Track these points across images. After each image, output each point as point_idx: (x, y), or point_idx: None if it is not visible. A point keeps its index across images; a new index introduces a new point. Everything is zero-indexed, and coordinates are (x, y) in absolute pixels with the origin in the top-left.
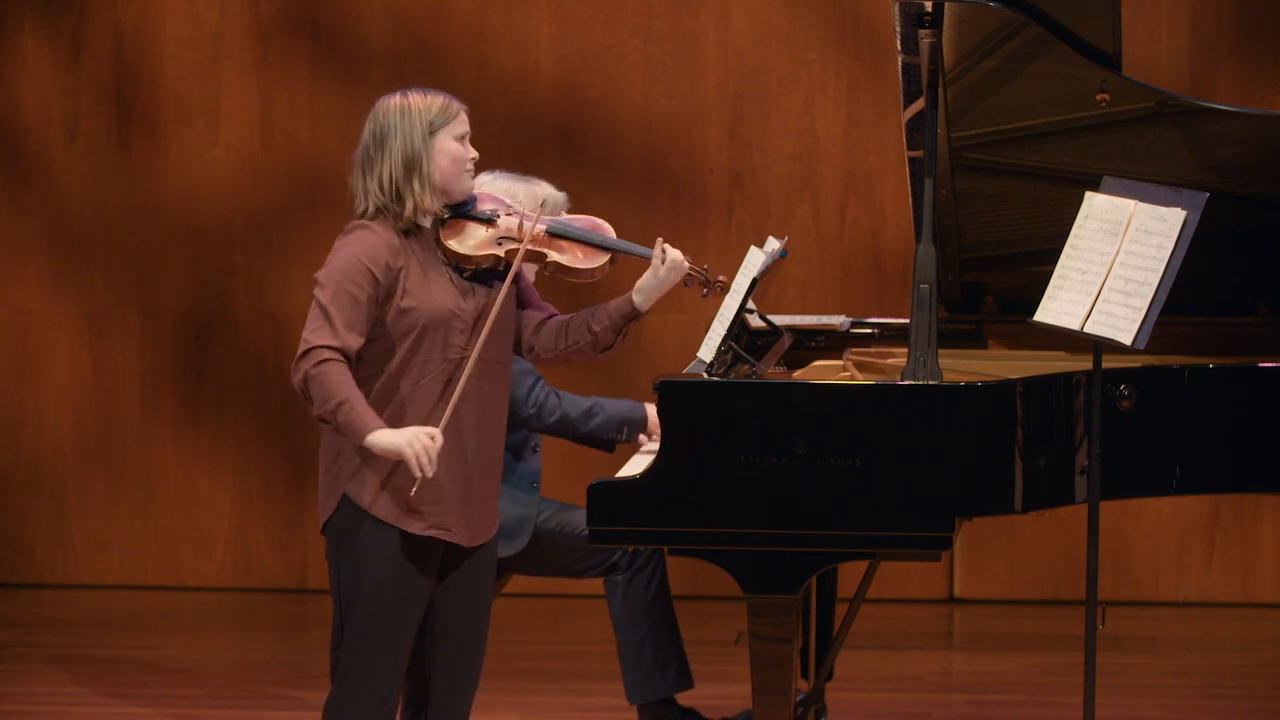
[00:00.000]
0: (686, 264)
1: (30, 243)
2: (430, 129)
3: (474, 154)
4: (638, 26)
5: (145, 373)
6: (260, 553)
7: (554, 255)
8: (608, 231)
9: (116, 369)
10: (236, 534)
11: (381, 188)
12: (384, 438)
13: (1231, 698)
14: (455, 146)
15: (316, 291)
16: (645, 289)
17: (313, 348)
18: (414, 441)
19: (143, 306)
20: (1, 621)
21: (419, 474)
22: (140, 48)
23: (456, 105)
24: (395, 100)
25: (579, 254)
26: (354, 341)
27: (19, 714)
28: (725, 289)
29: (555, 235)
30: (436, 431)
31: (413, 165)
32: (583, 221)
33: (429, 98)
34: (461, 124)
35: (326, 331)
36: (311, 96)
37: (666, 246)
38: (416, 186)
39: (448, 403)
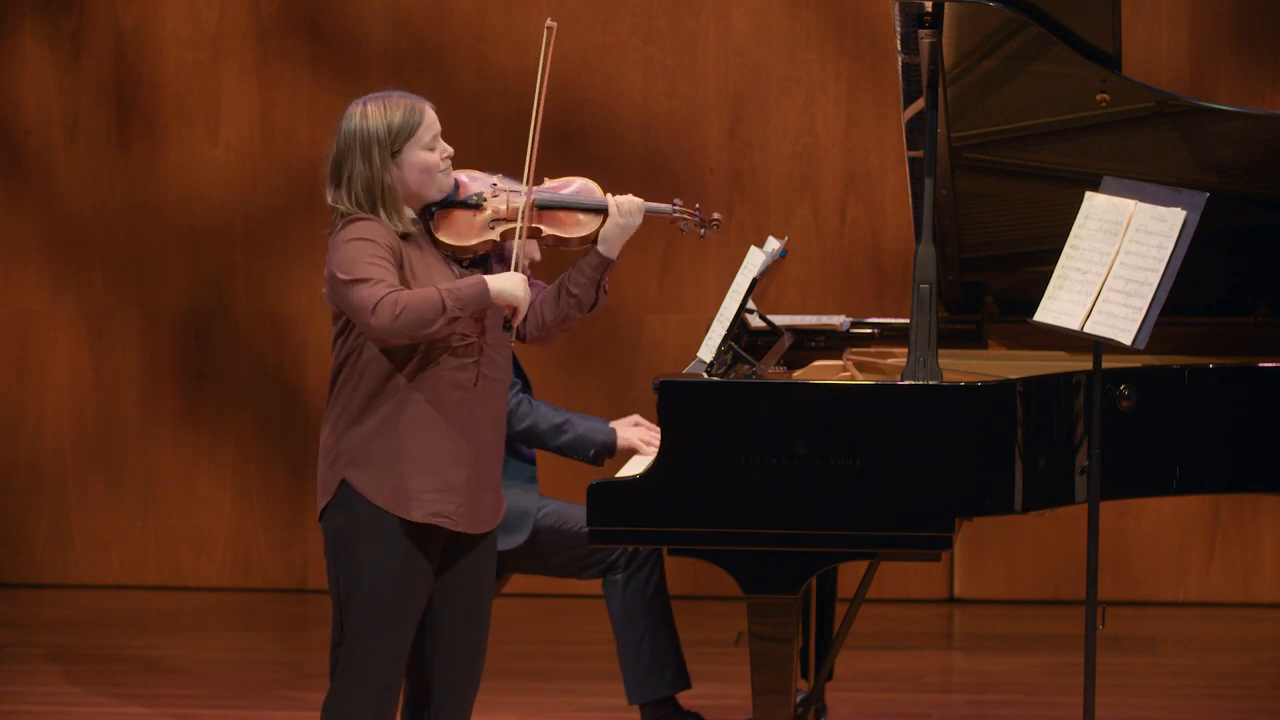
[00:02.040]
0: (642, 203)
1: (30, 243)
2: (391, 151)
3: (449, 151)
4: (638, 26)
5: (145, 373)
6: (260, 553)
7: (548, 229)
8: (595, 192)
9: (116, 369)
10: (236, 534)
11: (345, 204)
12: (503, 281)
13: (1231, 698)
14: (423, 157)
15: (340, 278)
16: (608, 238)
17: (380, 299)
18: (527, 291)
19: (143, 306)
20: (1, 621)
21: (517, 324)
22: (140, 48)
23: (420, 108)
24: (356, 118)
25: (571, 222)
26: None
27: (19, 714)
28: (720, 226)
29: (544, 208)
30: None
31: (373, 191)
32: (569, 186)
33: (389, 110)
34: (428, 129)
35: (379, 287)
36: (311, 96)
37: (617, 198)
38: (381, 212)
39: (456, 391)
